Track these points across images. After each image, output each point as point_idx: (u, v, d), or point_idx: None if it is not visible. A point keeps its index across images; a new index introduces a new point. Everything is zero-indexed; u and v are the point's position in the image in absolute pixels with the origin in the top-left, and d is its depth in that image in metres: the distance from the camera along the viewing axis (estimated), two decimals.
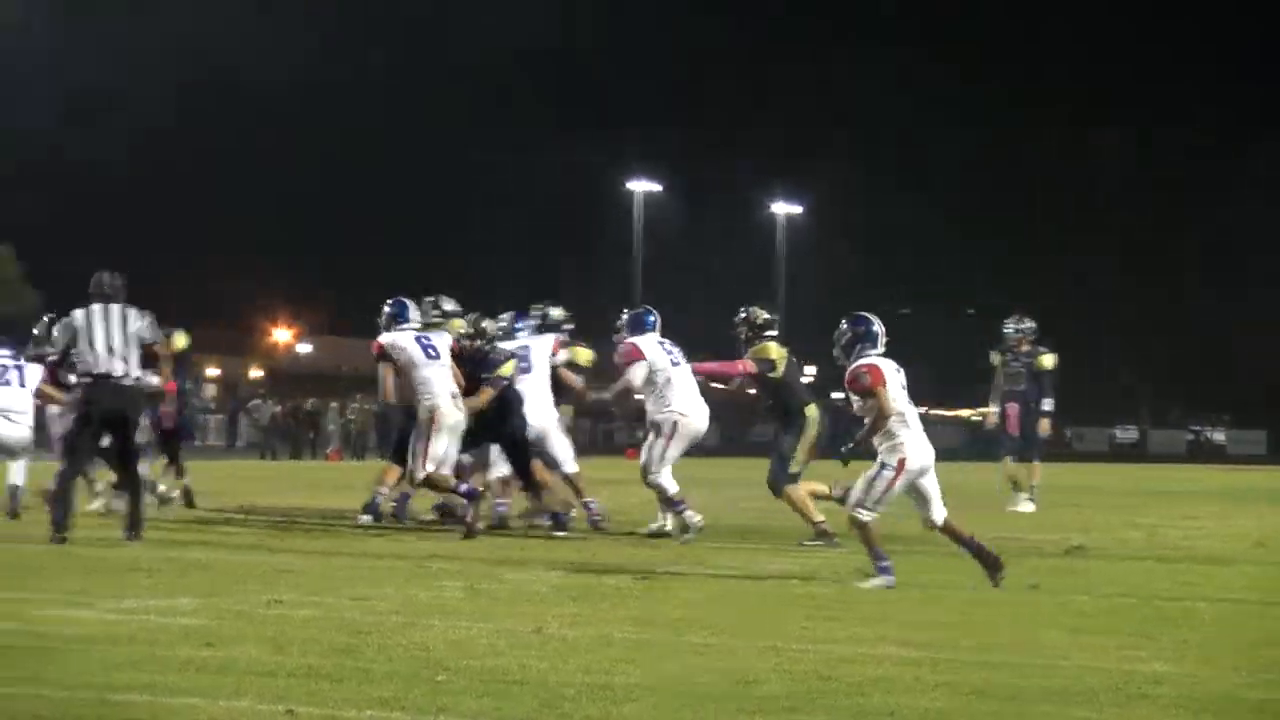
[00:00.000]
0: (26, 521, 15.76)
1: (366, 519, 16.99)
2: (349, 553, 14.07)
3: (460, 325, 17.02)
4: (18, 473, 16.87)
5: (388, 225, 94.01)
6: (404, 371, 16.29)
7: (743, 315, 16.35)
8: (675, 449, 16.24)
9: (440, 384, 16.12)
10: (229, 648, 8.38)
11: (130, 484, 14.79)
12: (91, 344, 14.39)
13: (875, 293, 57.77)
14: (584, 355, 18.12)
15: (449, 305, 17.53)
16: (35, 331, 18.09)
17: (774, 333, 16.25)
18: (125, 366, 14.45)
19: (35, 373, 16.80)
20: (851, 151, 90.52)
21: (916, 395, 12.72)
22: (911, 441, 12.45)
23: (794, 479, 15.63)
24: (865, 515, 12.33)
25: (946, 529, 12.44)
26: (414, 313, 16.87)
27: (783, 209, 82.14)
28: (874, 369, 12.58)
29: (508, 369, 16.70)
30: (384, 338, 16.53)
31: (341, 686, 7.39)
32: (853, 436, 12.47)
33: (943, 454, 13.32)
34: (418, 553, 14.14)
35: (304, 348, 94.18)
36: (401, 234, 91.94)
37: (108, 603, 10.12)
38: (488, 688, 7.46)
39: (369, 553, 14.12)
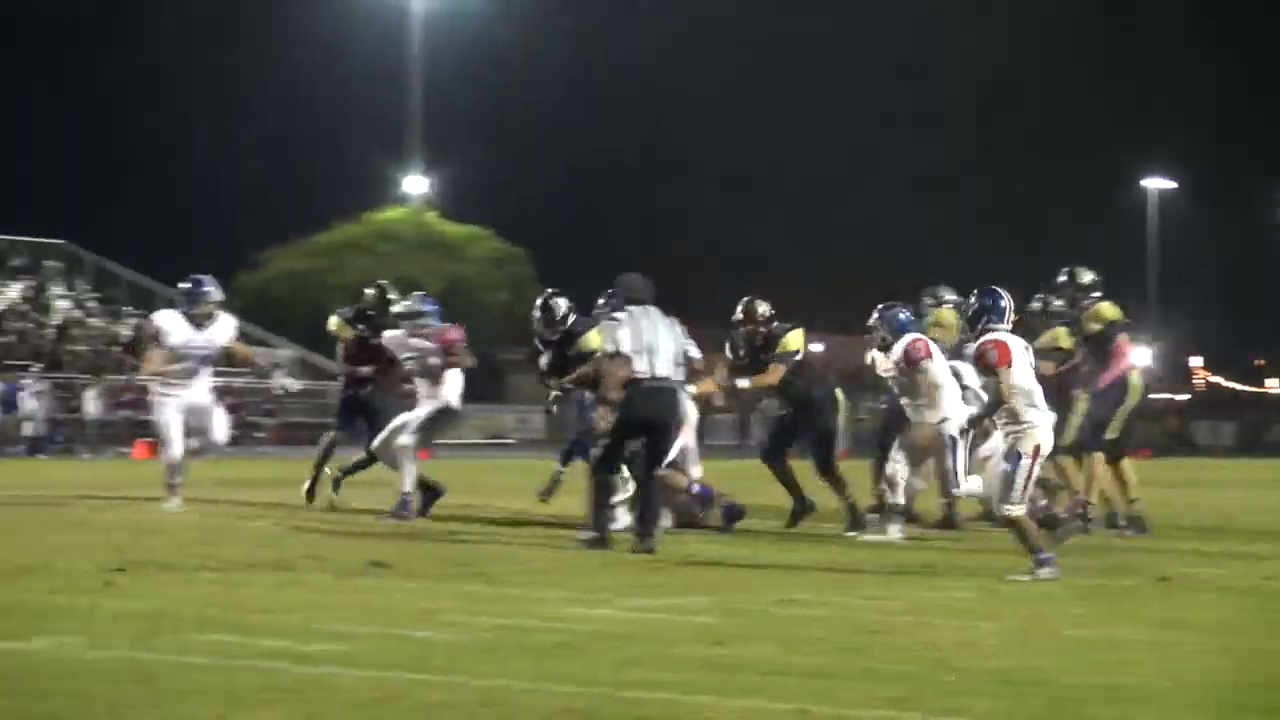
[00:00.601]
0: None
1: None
2: (854, 554, 14.08)
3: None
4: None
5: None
6: None
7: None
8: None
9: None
10: (740, 646, 8.44)
11: (646, 488, 14.29)
12: (642, 347, 13.91)
13: None
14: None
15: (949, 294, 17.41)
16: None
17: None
18: (670, 370, 14.04)
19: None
20: None
21: None
22: (1042, 424, 12.02)
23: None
24: (1015, 510, 11.88)
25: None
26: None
27: None
28: (1000, 345, 12.13)
29: (793, 341, 16.40)
30: None
31: (852, 686, 7.37)
32: None
33: None
34: (921, 553, 14.09)
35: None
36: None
37: (625, 600, 10.31)
38: (997, 688, 7.36)
39: (876, 554, 14.11)
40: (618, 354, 13.93)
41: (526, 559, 13.06)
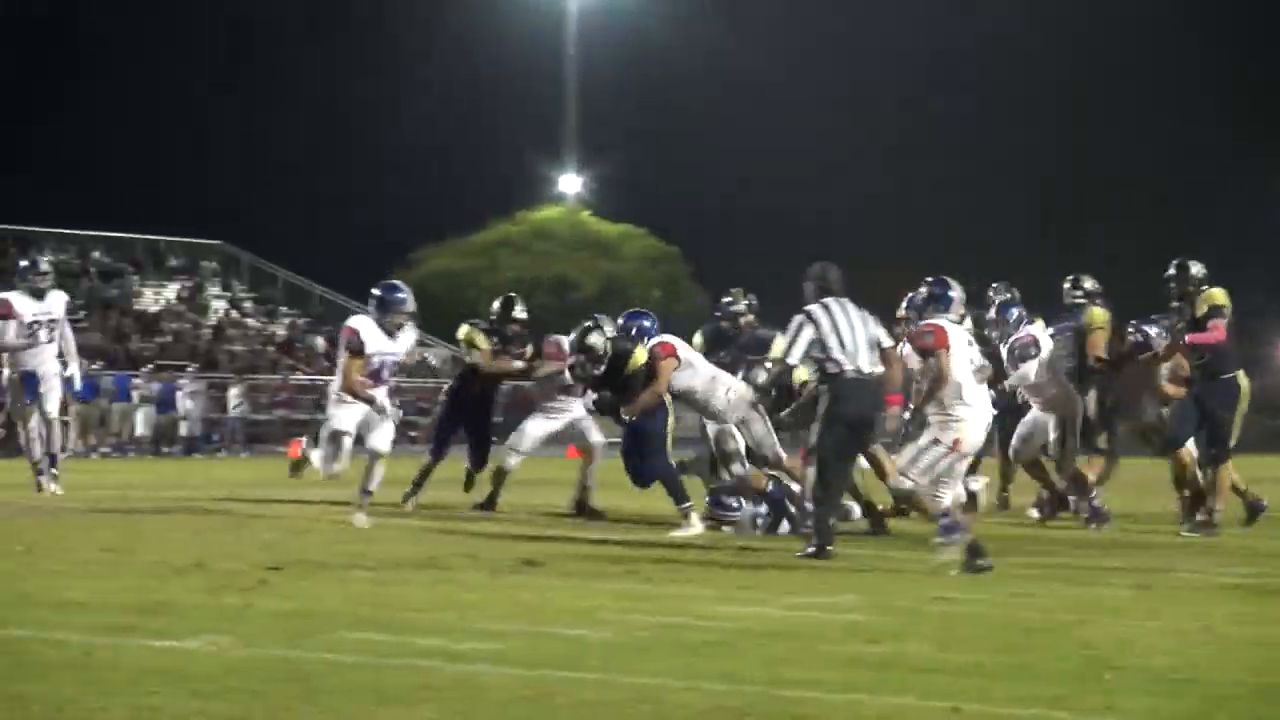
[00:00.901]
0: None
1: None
2: (1011, 549, 13.96)
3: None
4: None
5: None
6: None
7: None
8: None
9: None
10: (893, 644, 8.38)
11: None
12: (841, 341, 13.18)
13: None
14: None
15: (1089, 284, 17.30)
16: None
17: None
18: (870, 363, 13.35)
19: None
20: None
21: None
22: (970, 420, 12.06)
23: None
24: (908, 483, 11.98)
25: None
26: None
27: None
28: (939, 330, 12.23)
29: None
30: None
31: (1007, 684, 7.30)
32: None
33: None
34: (1083, 550, 13.97)
35: None
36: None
37: (778, 598, 10.27)
38: (1154, 686, 7.26)
39: (1036, 549, 14.01)
40: (782, 360, 13.71)
41: (679, 557, 13.05)
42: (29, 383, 18.57)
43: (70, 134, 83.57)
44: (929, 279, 13.25)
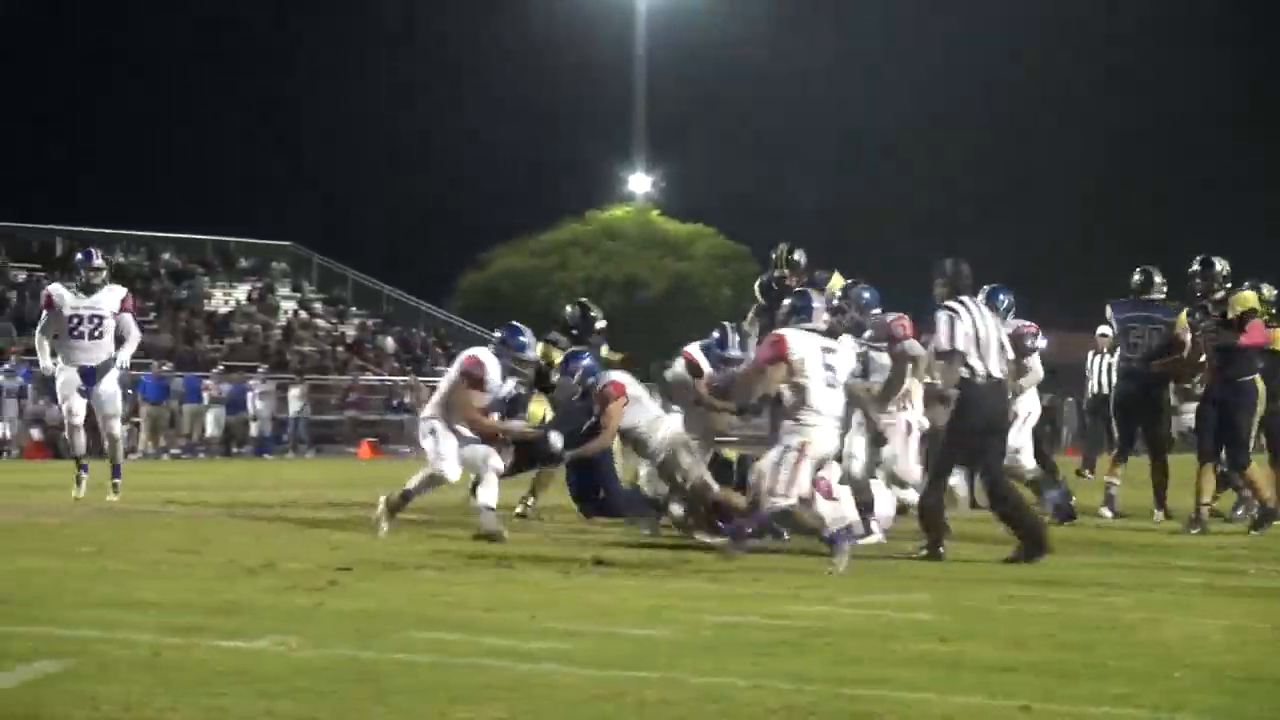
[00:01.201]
0: None
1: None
2: (1088, 550, 13.91)
3: None
4: None
5: None
6: None
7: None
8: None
9: None
10: (963, 643, 8.35)
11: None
12: (977, 343, 12.81)
13: None
14: None
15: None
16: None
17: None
18: (1002, 368, 12.99)
19: None
20: None
21: None
22: (818, 427, 12.14)
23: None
24: (783, 502, 11.95)
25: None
26: None
27: None
28: (779, 340, 12.29)
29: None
30: None
31: (1077, 683, 7.28)
32: None
33: None
34: (1154, 549, 13.90)
35: None
36: None
37: (846, 597, 10.25)
38: (1224, 685, 7.24)
39: (1104, 549, 13.95)
40: (953, 352, 12.87)
41: (746, 556, 13.04)
42: (83, 377, 17.90)
43: (140, 136, 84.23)
44: (797, 291, 13.39)
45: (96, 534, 14.20)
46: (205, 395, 41.98)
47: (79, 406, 17.97)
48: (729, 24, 74.94)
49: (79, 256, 18.74)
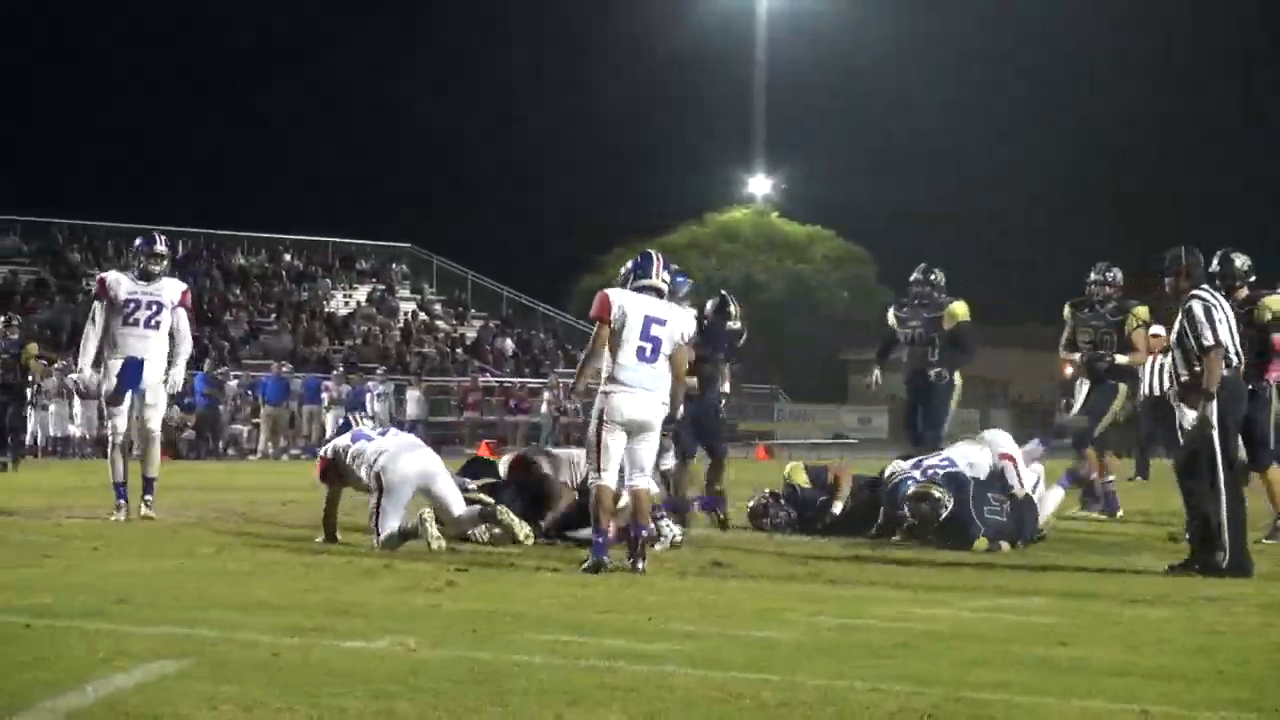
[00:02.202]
0: None
1: None
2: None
3: None
4: None
5: None
6: None
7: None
8: None
9: None
10: (1082, 647, 8.30)
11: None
12: (1231, 333, 12.26)
13: None
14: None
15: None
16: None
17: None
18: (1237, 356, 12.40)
19: None
20: None
21: None
22: (616, 394, 11.76)
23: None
24: (596, 479, 11.79)
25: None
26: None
27: None
28: (603, 297, 11.91)
29: None
30: None
31: (1195, 687, 7.22)
32: None
33: None
34: (1267, 555, 13.76)
35: None
36: None
37: (966, 601, 10.22)
38: None
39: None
40: (1216, 345, 12.10)
41: (868, 558, 13.00)
42: (131, 369, 16.13)
43: (264, 140, 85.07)
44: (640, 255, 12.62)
45: (215, 535, 14.32)
46: (325, 396, 42.23)
47: (122, 424, 16.17)
48: (850, 27, 74.91)
49: (139, 242, 16.86)
